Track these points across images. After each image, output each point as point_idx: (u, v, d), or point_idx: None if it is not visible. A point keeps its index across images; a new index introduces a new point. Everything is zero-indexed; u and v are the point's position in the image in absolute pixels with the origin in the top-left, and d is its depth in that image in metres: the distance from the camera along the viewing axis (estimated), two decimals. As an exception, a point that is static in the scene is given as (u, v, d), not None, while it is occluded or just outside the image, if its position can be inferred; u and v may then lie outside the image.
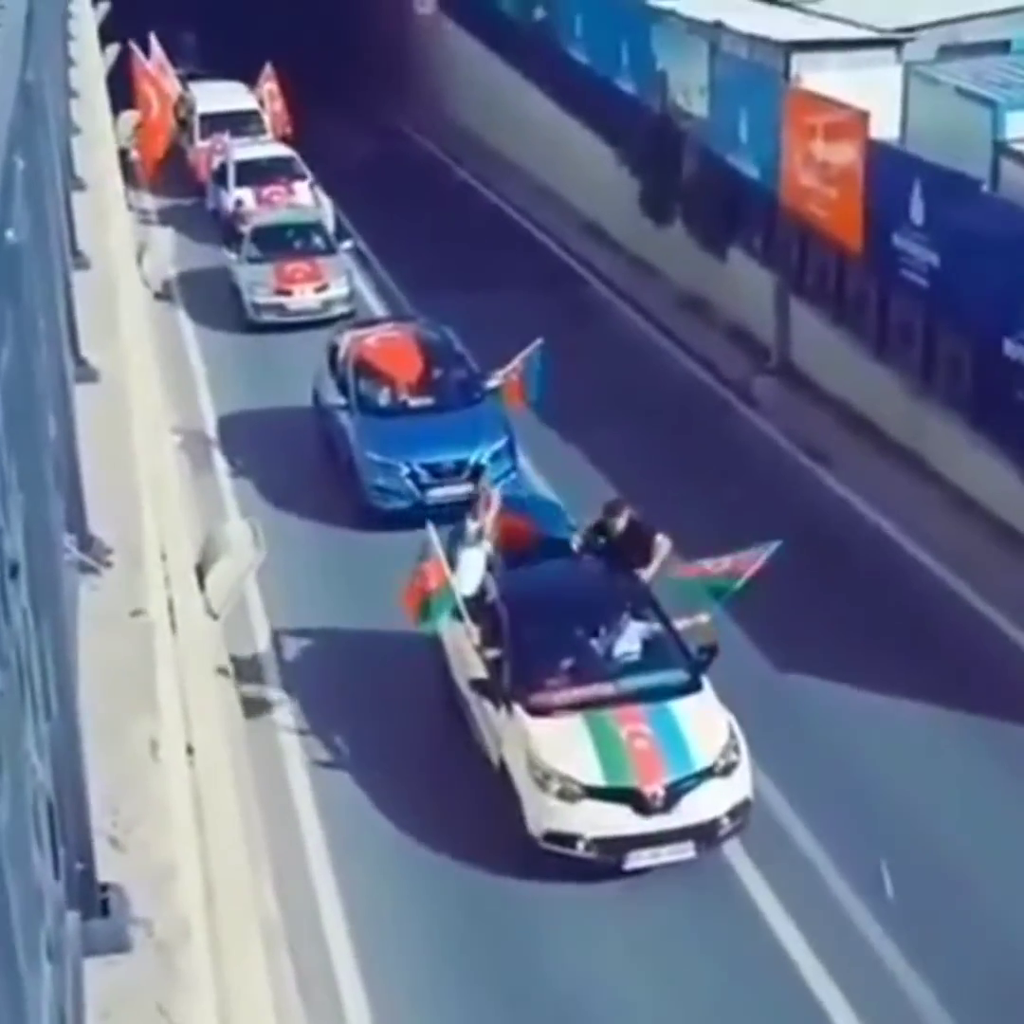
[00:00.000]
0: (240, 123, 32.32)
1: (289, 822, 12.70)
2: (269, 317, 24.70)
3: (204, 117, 32.60)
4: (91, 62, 17.04)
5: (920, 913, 11.39)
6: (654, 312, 24.82)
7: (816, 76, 20.54)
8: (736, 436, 20.46)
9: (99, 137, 12.85)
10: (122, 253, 11.56)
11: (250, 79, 33.84)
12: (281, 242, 25.77)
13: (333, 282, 25.00)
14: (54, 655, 3.18)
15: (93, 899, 3.38)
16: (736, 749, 12.22)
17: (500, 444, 18.31)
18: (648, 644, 13.14)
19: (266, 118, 32.92)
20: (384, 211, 28.91)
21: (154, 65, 31.70)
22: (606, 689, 12.63)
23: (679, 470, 18.88)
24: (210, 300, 25.69)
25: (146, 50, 31.67)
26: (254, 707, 14.26)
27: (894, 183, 18.41)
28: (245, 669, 14.71)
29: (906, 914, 11.35)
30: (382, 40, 40.02)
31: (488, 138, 34.54)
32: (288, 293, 24.77)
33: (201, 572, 10.88)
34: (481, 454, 18.15)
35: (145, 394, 9.44)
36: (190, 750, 6.37)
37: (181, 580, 8.72)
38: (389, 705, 14.22)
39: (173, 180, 31.73)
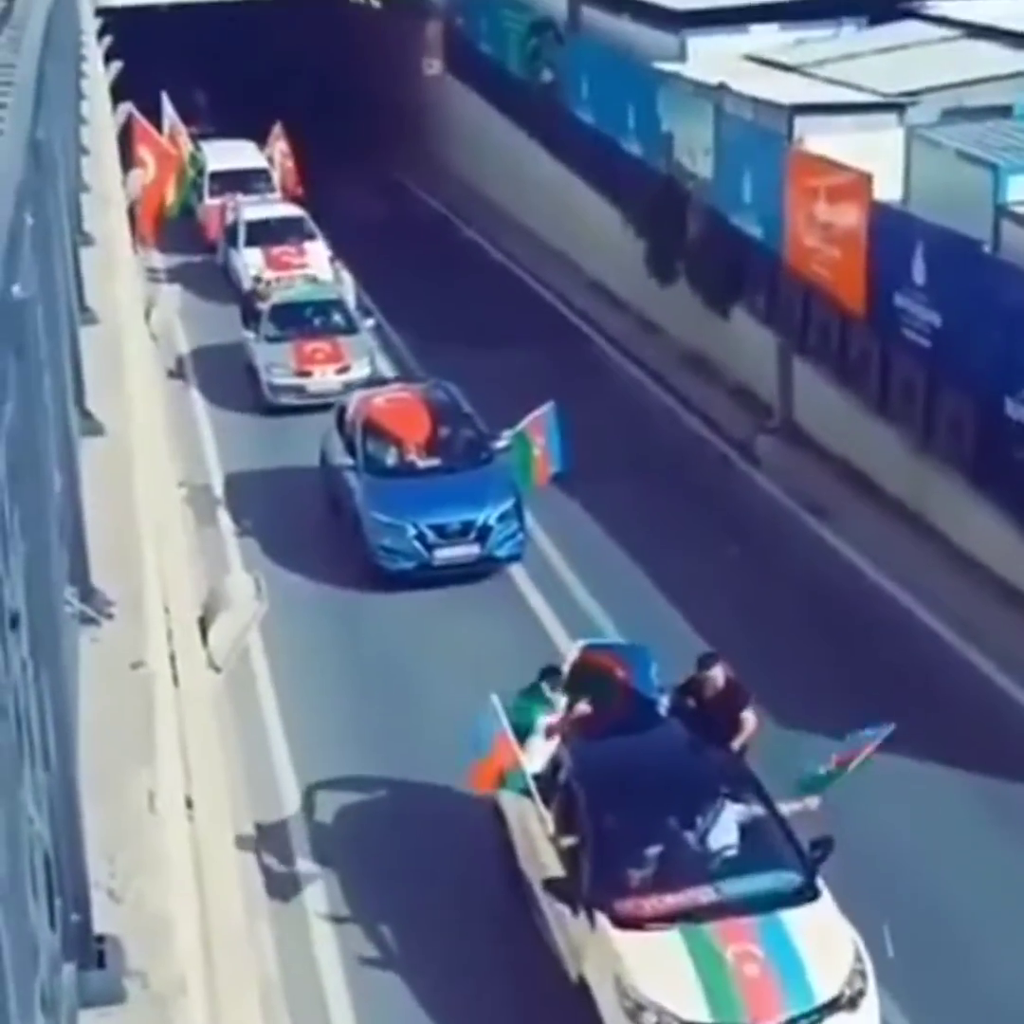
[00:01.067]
0: (249, 181, 32.68)
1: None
2: (287, 399, 23.60)
3: (214, 175, 32.87)
4: (102, 120, 17.21)
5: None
6: (658, 370, 24.94)
7: (819, 138, 20.70)
8: (738, 493, 20.52)
9: (109, 194, 12.97)
10: (130, 308, 11.64)
11: (260, 138, 34.15)
12: (301, 320, 24.77)
13: (355, 363, 24.00)
14: (53, 706, 3.20)
15: (89, 950, 3.39)
16: (863, 974, 10.32)
17: (507, 505, 18.16)
18: (751, 836, 11.21)
19: (275, 176, 33.17)
20: (392, 268, 29.00)
21: (166, 124, 31.89)
22: (705, 894, 10.73)
23: (681, 526, 18.92)
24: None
25: (159, 109, 31.90)
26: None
27: (897, 244, 18.53)
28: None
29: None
30: (391, 101, 40.37)
31: (495, 197, 34.78)
32: (308, 374, 23.76)
33: (204, 625, 10.89)
34: (488, 515, 18.03)
35: (151, 447, 9.49)
36: (189, 803, 6.37)
37: (184, 633, 8.73)
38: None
39: (181, 237, 31.84)
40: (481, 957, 11.70)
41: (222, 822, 8.65)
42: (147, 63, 29.37)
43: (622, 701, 12.69)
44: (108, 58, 27.87)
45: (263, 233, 29.37)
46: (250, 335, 24.86)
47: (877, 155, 19.08)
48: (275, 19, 38.74)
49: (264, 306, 25.17)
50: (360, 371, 23.88)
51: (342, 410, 20.03)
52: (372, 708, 15.24)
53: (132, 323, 11.37)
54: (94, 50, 23.38)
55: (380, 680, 15.75)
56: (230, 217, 30.55)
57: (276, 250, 28.95)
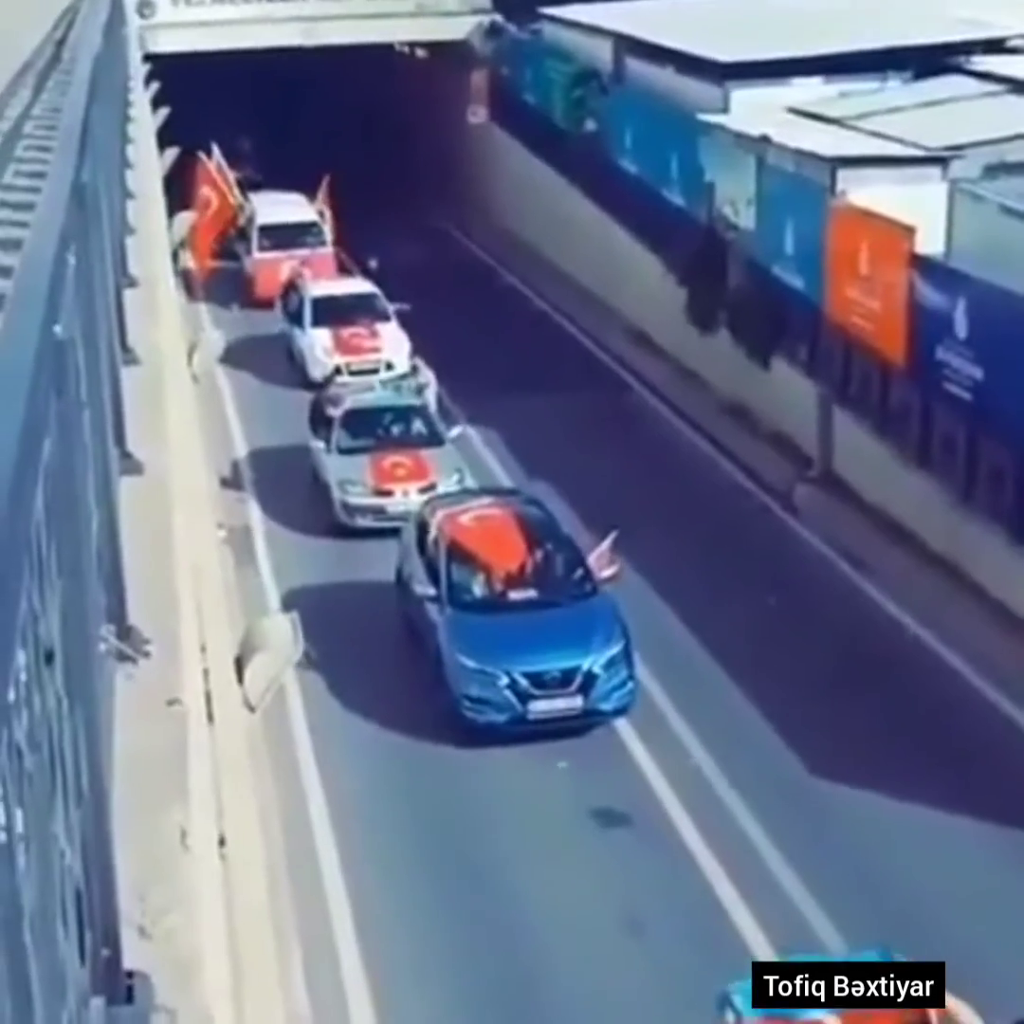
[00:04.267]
0: (300, 234, 31.89)
1: None
2: (364, 521, 20.52)
3: (264, 229, 32.02)
4: (149, 165, 17.39)
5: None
6: (698, 419, 24.98)
7: (862, 191, 20.75)
8: (777, 543, 20.49)
9: (153, 237, 13.11)
10: (173, 350, 11.74)
11: (304, 184, 34.17)
12: (378, 429, 21.83)
13: (442, 481, 20.59)
14: (87, 741, 3.23)
15: (118, 986, 3.40)
16: None
17: (616, 649, 15.58)
18: None
19: (327, 230, 32.24)
20: (433, 314, 28.92)
21: (213, 169, 32.06)
22: None
23: (720, 575, 18.90)
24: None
25: (205, 154, 32.10)
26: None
27: (938, 297, 18.54)
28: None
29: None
30: (435, 148, 40.70)
31: (537, 245, 34.98)
32: (388, 494, 20.62)
33: (240, 665, 10.94)
34: (594, 661, 15.45)
35: (190, 487, 9.57)
36: (222, 841, 6.39)
37: (220, 672, 8.77)
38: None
39: (226, 288, 31.74)
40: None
41: (254, 859, 8.66)
42: (194, 109, 29.69)
43: None
44: (155, 104, 28.19)
45: (332, 312, 27.10)
46: (320, 445, 21.74)
47: (920, 208, 19.10)
48: (321, 67, 39.16)
49: (335, 412, 22.03)
50: (448, 490, 20.33)
51: (422, 525, 17.60)
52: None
53: (174, 364, 11.48)
54: (141, 95, 23.64)
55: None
56: (294, 296, 28.41)
57: (346, 332, 26.78)
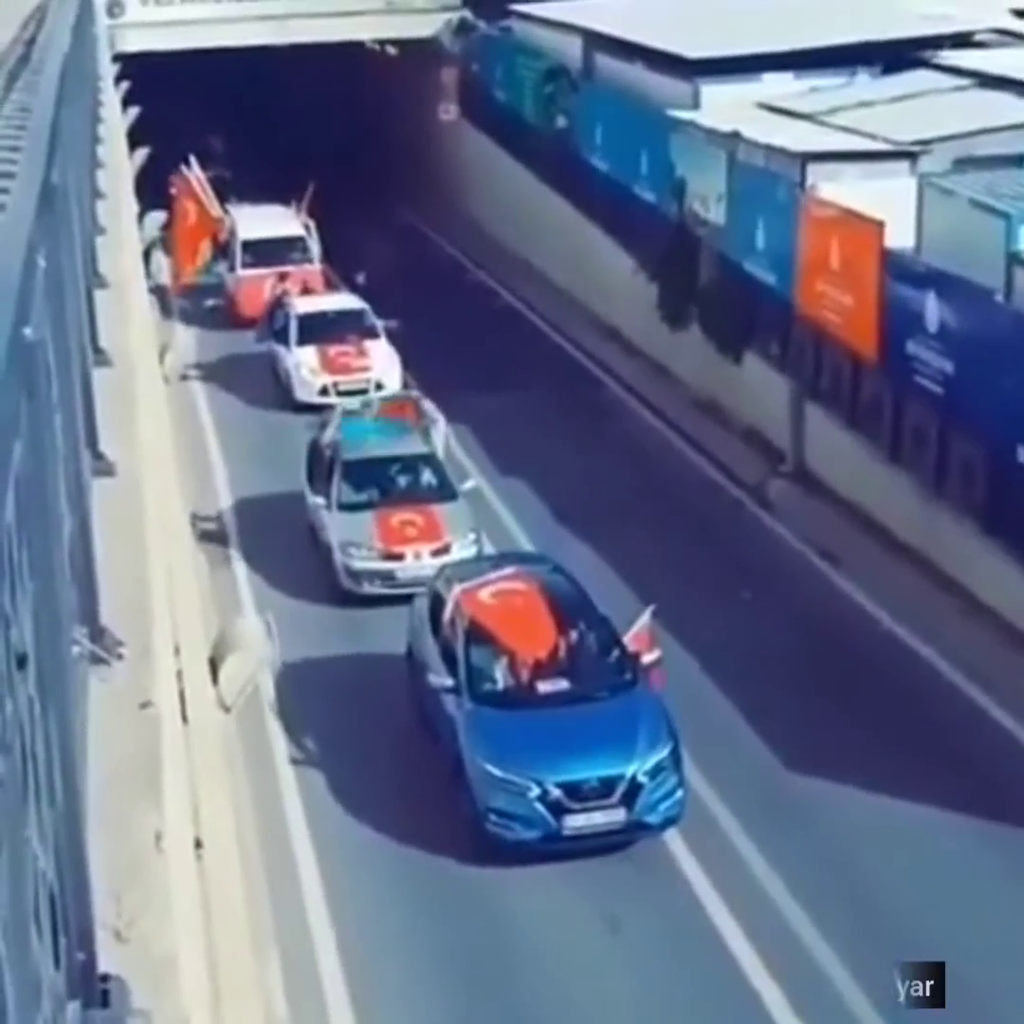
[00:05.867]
0: (285, 250, 30.42)
1: None
2: (371, 588, 18.35)
3: (247, 244, 30.25)
4: (119, 164, 17.34)
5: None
6: (670, 415, 25.01)
7: (832, 186, 20.81)
8: (750, 538, 20.53)
9: (124, 238, 13.07)
10: (144, 350, 11.71)
11: (275, 181, 33.78)
12: (383, 481, 19.59)
13: (457, 542, 18.59)
14: (60, 744, 3.22)
15: (93, 990, 3.39)
16: None
17: (663, 752, 13.51)
18: None
19: (313, 245, 30.79)
20: (406, 313, 28.80)
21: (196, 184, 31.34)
22: None
23: (693, 571, 18.92)
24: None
25: (175, 154, 31.68)
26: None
27: (909, 292, 18.61)
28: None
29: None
30: (406, 145, 40.66)
31: (508, 243, 34.97)
32: (398, 557, 18.51)
33: (215, 666, 10.95)
34: (638, 768, 13.37)
35: (162, 488, 9.54)
36: (199, 844, 6.38)
37: (194, 674, 8.75)
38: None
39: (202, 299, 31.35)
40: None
41: (230, 861, 8.64)
42: (164, 108, 29.57)
43: None
44: (125, 103, 28.10)
45: (318, 329, 25.99)
46: (319, 501, 19.32)
47: (889, 203, 19.15)
48: (292, 65, 39.11)
49: (335, 461, 19.64)
50: (464, 551, 18.46)
51: (436, 600, 15.49)
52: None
53: (146, 365, 11.45)
54: (111, 95, 23.56)
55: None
56: (280, 314, 27.09)
57: (333, 350, 25.72)
